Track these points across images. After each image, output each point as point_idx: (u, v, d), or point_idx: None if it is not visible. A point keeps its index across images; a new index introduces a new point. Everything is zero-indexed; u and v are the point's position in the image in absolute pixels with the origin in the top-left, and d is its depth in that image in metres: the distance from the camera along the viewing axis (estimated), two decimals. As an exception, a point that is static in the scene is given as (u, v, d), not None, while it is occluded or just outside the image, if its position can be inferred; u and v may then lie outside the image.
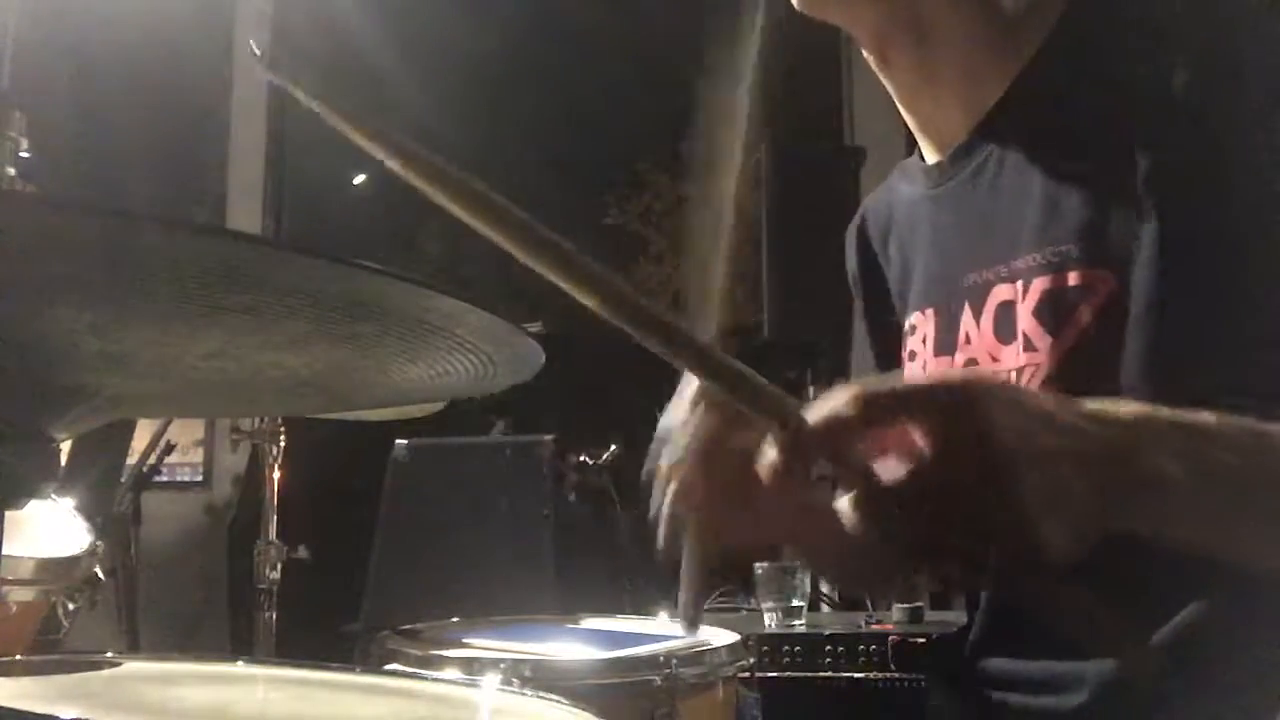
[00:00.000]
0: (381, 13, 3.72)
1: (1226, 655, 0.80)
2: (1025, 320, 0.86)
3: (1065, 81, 0.87)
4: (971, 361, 0.92)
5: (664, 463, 0.71)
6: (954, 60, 0.93)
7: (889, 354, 1.07)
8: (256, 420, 1.92)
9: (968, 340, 0.93)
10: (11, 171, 1.44)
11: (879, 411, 0.59)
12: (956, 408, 0.59)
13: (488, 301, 0.54)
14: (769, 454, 0.60)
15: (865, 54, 0.98)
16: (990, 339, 0.90)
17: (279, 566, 1.90)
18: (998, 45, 0.92)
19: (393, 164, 0.51)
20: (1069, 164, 0.86)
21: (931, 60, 0.94)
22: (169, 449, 2.59)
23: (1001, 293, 0.89)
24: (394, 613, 1.90)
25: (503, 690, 0.83)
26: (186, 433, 3.59)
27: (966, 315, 0.93)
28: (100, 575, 1.64)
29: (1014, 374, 0.88)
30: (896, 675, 1.68)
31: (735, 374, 0.59)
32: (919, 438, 0.58)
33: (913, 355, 1.01)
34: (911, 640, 1.69)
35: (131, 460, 2.63)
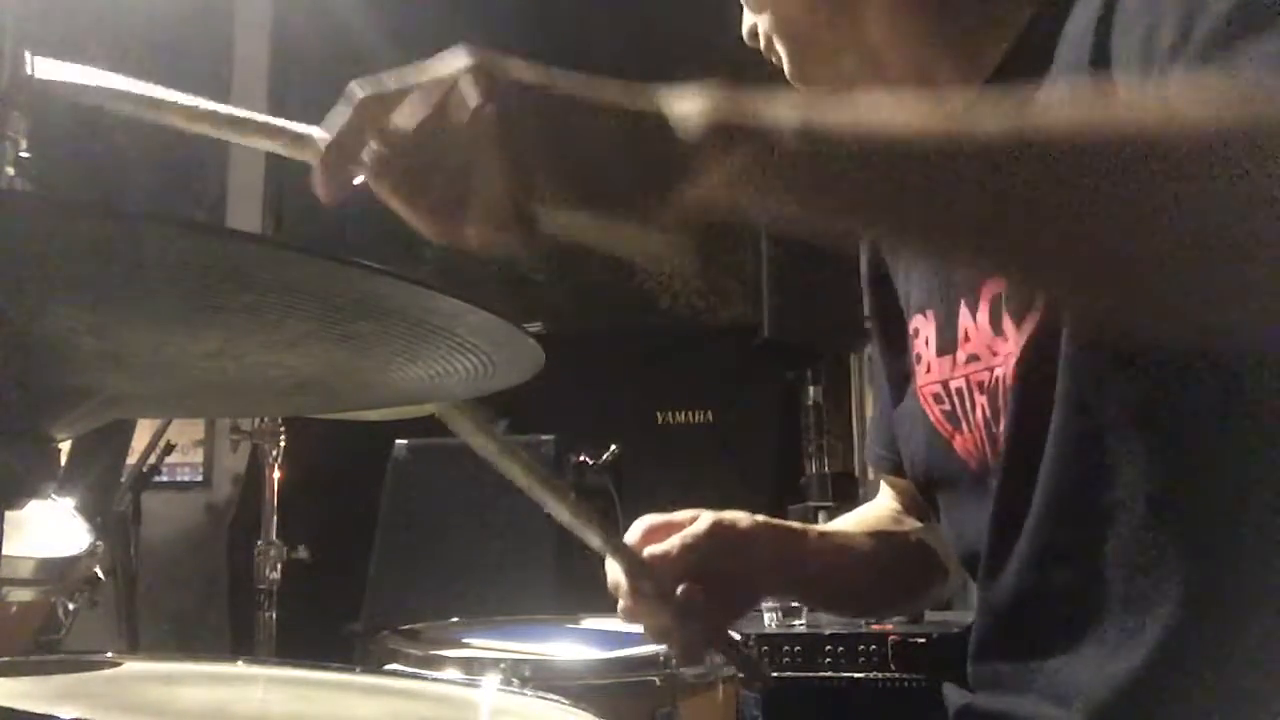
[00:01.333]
0: (381, 12, 3.72)
1: (1215, 672, 0.80)
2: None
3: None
4: (973, 358, 0.93)
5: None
6: (912, 87, 0.95)
7: (898, 354, 1.07)
8: (256, 420, 1.92)
9: (967, 338, 0.93)
10: (11, 171, 1.44)
11: (378, 102, 0.65)
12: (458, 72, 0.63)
13: (488, 301, 0.54)
14: None
15: None
16: (987, 333, 0.90)
17: (279, 566, 1.91)
18: (957, 62, 0.93)
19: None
20: None
21: (897, 89, 0.96)
22: (169, 449, 2.59)
23: (993, 286, 0.89)
24: (394, 613, 1.91)
25: (503, 690, 0.83)
26: (186, 433, 3.59)
27: (963, 312, 0.93)
28: (100, 575, 1.64)
29: (1013, 365, 0.89)
30: (896, 675, 1.68)
31: None
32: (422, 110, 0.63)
33: (918, 358, 1.01)
34: (911, 640, 1.69)
35: (131, 460, 2.62)
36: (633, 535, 1.00)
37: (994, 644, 0.95)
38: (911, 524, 1.20)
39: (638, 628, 1.10)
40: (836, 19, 0.95)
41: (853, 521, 1.23)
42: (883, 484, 1.25)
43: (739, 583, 1.00)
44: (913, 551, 1.17)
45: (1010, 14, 0.90)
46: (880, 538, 1.17)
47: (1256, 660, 0.78)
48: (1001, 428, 0.90)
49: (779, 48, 0.99)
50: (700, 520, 0.99)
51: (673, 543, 0.97)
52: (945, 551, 1.16)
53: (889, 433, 1.16)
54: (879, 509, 1.24)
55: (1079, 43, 0.80)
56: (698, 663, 1.01)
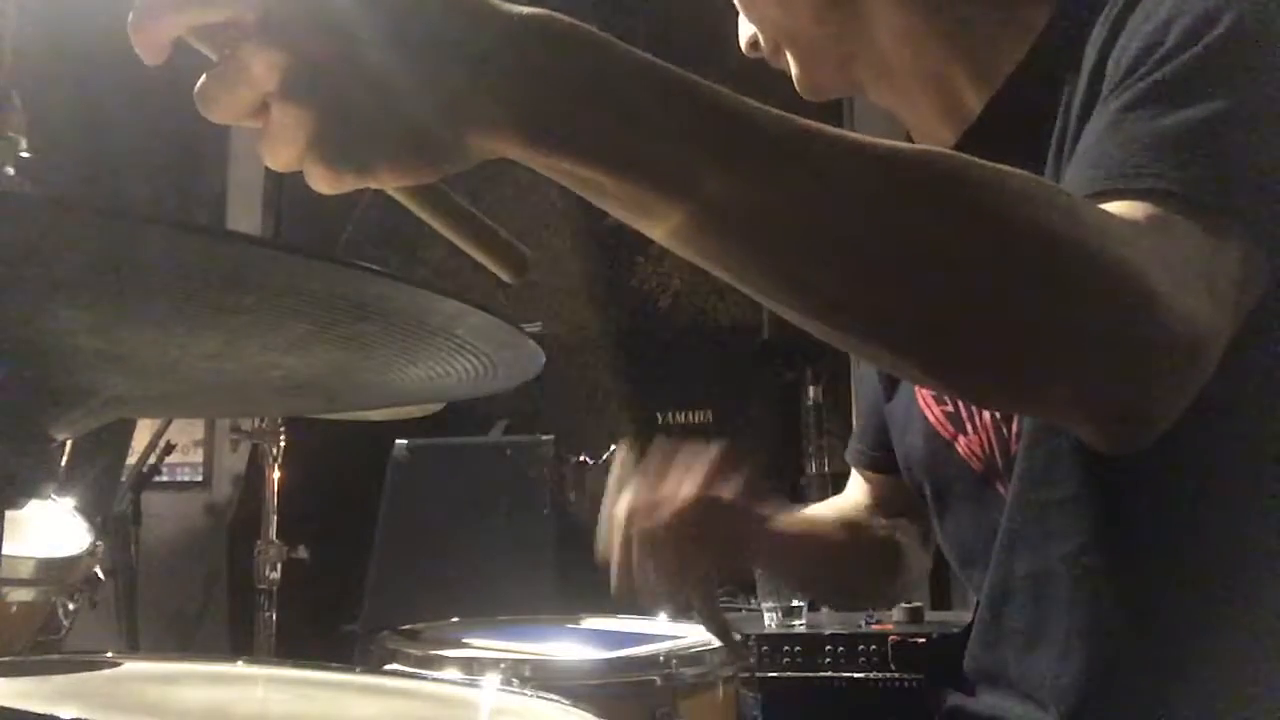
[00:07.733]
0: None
1: (1163, 680, 0.80)
2: None
3: (1038, 99, 0.86)
4: None
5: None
6: (926, 91, 0.95)
7: None
8: (256, 420, 1.92)
9: None
10: (11, 171, 1.44)
11: None
12: None
13: (487, 302, 0.54)
14: None
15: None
16: None
17: (279, 566, 1.90)
18: (971, 67, 0.93)
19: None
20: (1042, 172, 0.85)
21: (908, 95, 0.97)
22: (169, 449, 2.59)
23: None
24: (394, 613, 1.90)
25: (503, 690, 0.83)
26: (186, 433, 3.58)
27: None
28: (100, 575, 1.64)
29: None
30: (896, 675, 1.68)
31: None
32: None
33: None
34: (911, 640, 1.69)
35: (131, 460, 2.63)
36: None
37: (989, 638, 0.95)
38: (879, 520, 1.21)
39: (638, 628, 1.10)
40: (846, 28, 0.95)
41: (825, 510, 1.24)
42: (855, 476, 1.26)
43: (728, 541, 1.02)
44: (881, 545, 1.19)
45: (1027, 18, 0.90)
46: (851, 528, 1.19)
47: (1252, 675, 0.78)
48: (1014, 430, 0.89)
49: (788, 57, 0.98)
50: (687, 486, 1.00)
51: (663, 516, 0.97)
52: (912, 549, 1.18)
53: (873, 429, 1.17)
54: (849, 501, 1.25)
55: (1098, 48, 0.80)
56: (684, 616, 1.02)
